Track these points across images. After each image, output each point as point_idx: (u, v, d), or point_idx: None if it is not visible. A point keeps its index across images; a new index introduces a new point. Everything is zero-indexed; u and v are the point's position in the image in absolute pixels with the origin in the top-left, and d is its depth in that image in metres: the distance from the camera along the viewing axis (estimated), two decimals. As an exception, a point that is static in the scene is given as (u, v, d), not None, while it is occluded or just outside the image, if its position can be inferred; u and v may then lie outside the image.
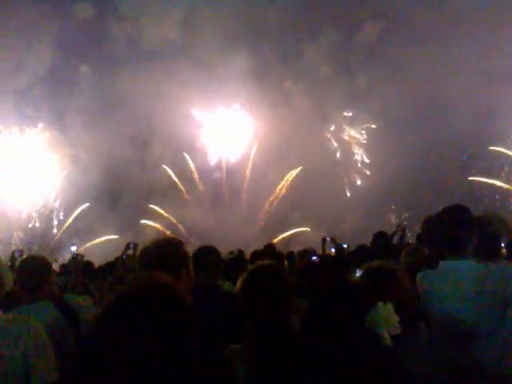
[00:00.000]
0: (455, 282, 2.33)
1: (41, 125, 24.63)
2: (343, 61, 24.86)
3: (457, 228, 2.41)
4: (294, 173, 25.19)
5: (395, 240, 3.92)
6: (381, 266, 2.48)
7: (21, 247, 18.24)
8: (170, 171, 25.39)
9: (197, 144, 26.02)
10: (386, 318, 2.14)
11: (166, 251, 2.24)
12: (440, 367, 2.29)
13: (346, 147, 26.25)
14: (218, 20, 23.89)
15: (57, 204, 25.02)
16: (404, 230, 3.99)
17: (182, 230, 23.27)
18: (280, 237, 23.15)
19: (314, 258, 4.94)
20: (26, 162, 24.34)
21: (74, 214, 24.53)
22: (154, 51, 23.82)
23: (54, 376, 2.03)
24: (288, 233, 23.94)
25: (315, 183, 23.49)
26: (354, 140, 26.07)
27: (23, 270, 2.77)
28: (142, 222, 24.03)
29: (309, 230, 22.96)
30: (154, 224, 24.04)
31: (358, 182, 25.99)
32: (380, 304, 2.17)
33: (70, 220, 24.58)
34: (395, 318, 2.15)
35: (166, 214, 24.10)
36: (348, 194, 25.51)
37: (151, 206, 24.55)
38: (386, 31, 23.44)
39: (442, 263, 2.43)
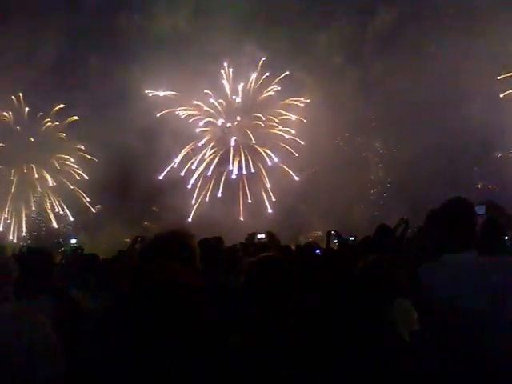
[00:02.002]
0: (457, 274, 2.32)
1: (49, 117, 24.34)
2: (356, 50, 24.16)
3: (458, 220, 2.41)
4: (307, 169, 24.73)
5: (398, 233, 3.91)
6: (377, 261, 2.45)
7: (28, 242, 18.25)
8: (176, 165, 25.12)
9: (206, 136, 25.83)
10: (404, 314, 2.11)
11: (172, 243, 2.18)
12: (444, 360, 2.27)
13: (360, 143, 25.93)
14: (228, 10, 23.54)
15: (64, 198, 24.98)
16: (407, 222, 3.97)
17: (190, 222, 23.18)
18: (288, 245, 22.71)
19: (317, 251, 4.96)
20: (32, 155, 23.90)
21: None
22: (164, 41, 23.49)
23: (60, 367, 2.05)
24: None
25: (326, 175, 23.32)
26: (367, 135, 25.69)
27: (26, 263, 2.78)
28: (146, 223, 23.89)
29: (321, 234, 22.69)
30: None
31: (372, 177, 25.69)
32: (399, 300, 2.14)
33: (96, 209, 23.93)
34: (414, 314, 2.11)
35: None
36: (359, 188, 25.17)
37: (154, 208, 24.30)
38: (400, 18, 22.95)
39: (444, 256, 2.42)
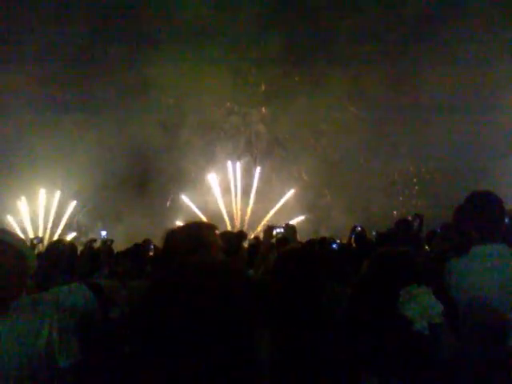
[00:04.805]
0: (487, 268, 2.29)
1: (69, 107, 24.04)
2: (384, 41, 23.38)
3: (488, 212, 2.39)
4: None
5: (414, 228, 3.94)
6: (388, 251, 2.40)
7: (41, 235, 18.32)
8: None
9: (226, 129, 25.40)
10: (417, 299, 2.03)
11: (197, 235, 2.14)
12: (469, 358, 2.25)
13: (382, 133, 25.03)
14: (253, 3, 23.04)
15: (83, 188, 24.92)
16: (422, 218, 4.00)
17: (207, 216, 23.00)
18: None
19: (334, 246, 5.01)
20: (53, 145, 23.43)
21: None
22: (185, 32, 23.12)
23: (77, 357, 2.04)
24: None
25: (347, 167, 22.85)
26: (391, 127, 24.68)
27: (55, 253, 2.85)
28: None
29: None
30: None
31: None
32: (412, 286, 2.07)
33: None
34: (437, 307, 2.03)
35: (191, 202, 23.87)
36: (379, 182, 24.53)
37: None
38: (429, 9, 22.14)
39: (473, 248, 2.39)
